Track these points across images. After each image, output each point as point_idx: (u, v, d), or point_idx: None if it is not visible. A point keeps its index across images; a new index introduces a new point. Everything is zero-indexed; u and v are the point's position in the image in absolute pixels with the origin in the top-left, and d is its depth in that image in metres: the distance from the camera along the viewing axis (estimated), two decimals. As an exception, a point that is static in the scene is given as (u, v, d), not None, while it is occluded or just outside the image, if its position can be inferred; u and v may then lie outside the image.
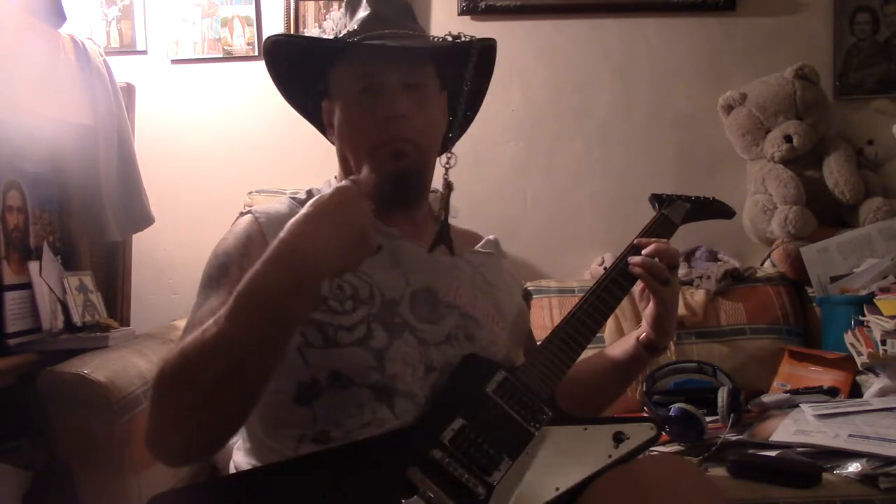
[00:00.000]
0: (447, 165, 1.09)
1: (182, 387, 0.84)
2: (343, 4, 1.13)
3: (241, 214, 1.07)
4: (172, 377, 0.84)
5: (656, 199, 1.24)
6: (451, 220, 1.08)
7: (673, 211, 1.21)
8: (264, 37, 2.26)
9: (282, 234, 0.85)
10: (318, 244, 0.84)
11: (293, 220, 0.86)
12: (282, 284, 0.82)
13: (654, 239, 1.13)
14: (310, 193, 1.10)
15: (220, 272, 0.99)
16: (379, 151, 1.04)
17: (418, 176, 1.08)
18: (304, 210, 0.87)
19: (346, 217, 0.86)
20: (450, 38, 1.10)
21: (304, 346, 0.96)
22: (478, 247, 1.20)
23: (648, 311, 1.13)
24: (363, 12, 1.09)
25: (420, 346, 1.00)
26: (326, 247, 0.84)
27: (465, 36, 1.10)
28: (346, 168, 1.11)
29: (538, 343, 1.10)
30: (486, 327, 1.08)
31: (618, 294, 1.11)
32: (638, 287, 1.14)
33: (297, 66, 1.11)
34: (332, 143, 1.14)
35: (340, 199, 0.87)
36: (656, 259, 1.09)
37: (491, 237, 1.23)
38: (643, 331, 1.15)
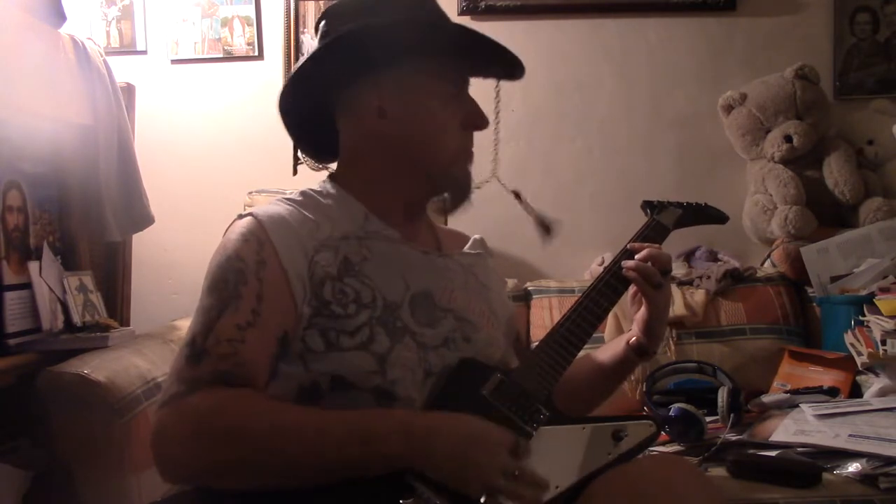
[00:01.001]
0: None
1: (248, 451, 0.85)
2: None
3: (241, 216, 1.04)
4: (247, 438, 0.85)
5: (648, 206, 1.25)
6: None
7: (665, 216, 1.22)
8: (264, 37, 2.31)
9: (438, 420, 0.91)
10: (448, 452, 0.87)
11: (456, 420, 0.91)
12: (398, 452, 0.87)
13: (646, 244, 1.14)
14: (304, 194, 1.08)
15: (238, 279, 0.95)
16: (462, 158, 1.09)
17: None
18: (465, 422, 0.91)
19: (483, 455, 0.88)
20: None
21: (304, 352, 0.96)
22: (466, 247, 1.20)
23: (640, 315, 1.14)
24: (433, 11, 1.10)
25: (419, 351, 1.00)
26: (450, 460, 0.87)
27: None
28: (393, 159, 1.07)
29: (536, 343, 1.10)
30: (482, 329, 1.08)
31: (612, 297, 1.12)
32: (630, 291, 1.14)
33: (363, 45, 1.03)
34: (375, 130, 1.06)
35: (490, 446, 0.89)
36: (649, 263, 1.10)
37: (477, 236, 1.23)
38: (633, 334, 1.16)
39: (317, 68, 1.06)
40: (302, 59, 1.09)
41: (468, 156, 1.10)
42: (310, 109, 1.12)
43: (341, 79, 1.07)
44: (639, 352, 1.15)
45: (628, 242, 1.17)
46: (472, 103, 1.10)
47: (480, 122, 1.09)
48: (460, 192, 1.10)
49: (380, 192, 1.08)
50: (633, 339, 1.15)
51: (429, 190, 1.11)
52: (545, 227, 1.17)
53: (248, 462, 0.86)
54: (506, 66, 1.13)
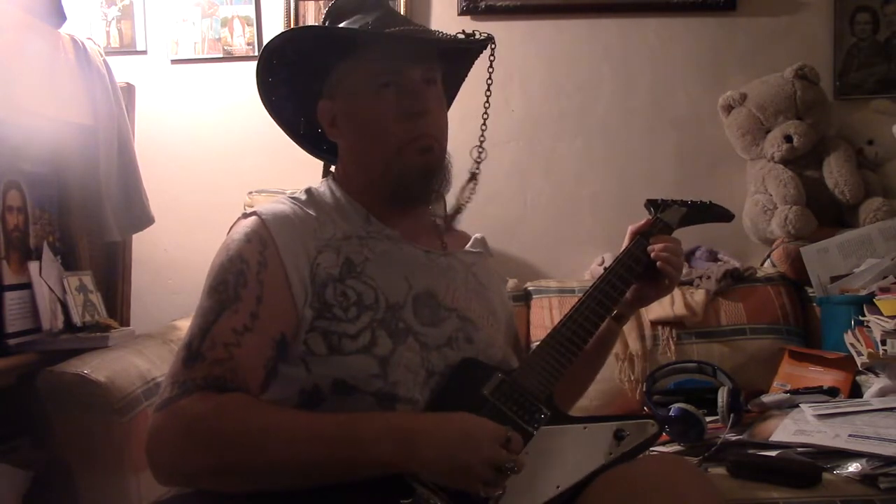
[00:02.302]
0: (478, 159, 1.16)
1: (237, 455, 0.86)
2: (335, 10, 1.11)
3: (245, 216, 1.04)
4: (237, 442, 0.86)
5: (652, 204, 1.25)
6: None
7: (669, 215, 1.22)
8: (264, 37, 2.31)
9: (426, 422, 0.91)
10: (436, 454, 0.88)
11: (445, 420, 0.91)
12: (386, 456, 0.87)
13: (663, 236, 1.17)
14: (309, 192, 1.09)
15: (238, 281, 0.95)
16: (407, 148, 1.05)
17: (442, 172, 1.09)
18: (453, 421, 0.91)
19: (472, 452, 0.88)
20: (462, 36, 1.11)
21: (306, 355, 0.96)
22: (468, 246, 1.20)
23: (644, 294, 1.19)
24: (374, 12, 1.08)
25: (422, 351, 1.00)
26: (439, 461, 0.88)
27: (480, 34, 1.11)
28: (355, 163, 1.10)
29: (538, 343, 1.10)
30: (483, 329, 1.08)
31: (615, 297, 1.13)
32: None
33: (297, 61, 1.09)
34: (334, 140, 1.13)
35: (479, 437, 0.89)
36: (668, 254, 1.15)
37: (478, 235, 1.23)
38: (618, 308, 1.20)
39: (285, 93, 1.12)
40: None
41: (418, 143, 1.05)
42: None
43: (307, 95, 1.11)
44: (617, 318, 1.22)
45: (631, 244, 1.19)
46: (406, 90, 1.05)
47: (409, 104, 1.04)
48: (419, 180, 1.06)
49: (371, 193, 1.09)
50: (615, 311, 1.19)
51: (393, 186, 1.07)
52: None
53: (238, 466, 0.86)
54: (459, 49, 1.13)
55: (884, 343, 1.60)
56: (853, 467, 1.28)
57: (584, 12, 2.30)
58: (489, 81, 1.14)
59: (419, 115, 1.05)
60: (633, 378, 1.84)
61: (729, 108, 2.22)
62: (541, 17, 2.30)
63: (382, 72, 1.05)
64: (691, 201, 1.27)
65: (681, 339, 1.90)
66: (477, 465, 0.87)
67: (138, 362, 1.50)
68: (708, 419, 1.49)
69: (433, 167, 1.07)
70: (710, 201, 1.30)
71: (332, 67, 1.08)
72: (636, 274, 1.15)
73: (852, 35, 2.27)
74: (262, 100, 1.14)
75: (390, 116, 1.04)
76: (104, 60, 1.86)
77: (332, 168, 1.18)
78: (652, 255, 1.15)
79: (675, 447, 1.49)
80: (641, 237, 1.18)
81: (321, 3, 2.29)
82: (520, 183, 2.31)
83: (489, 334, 1.09)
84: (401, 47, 1.05)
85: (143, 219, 1.94)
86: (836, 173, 2.08)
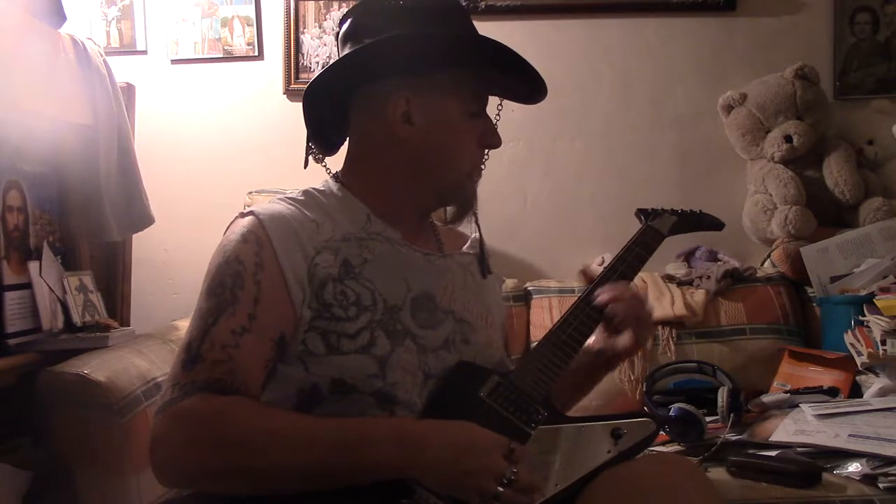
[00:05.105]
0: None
1: (239, 458, 0.86)
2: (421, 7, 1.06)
3: (242, 215, 1.03)
4: (239, 445, 0.86)
5: (642, 213, 1.25)
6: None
7: (660, 223, 1.22)
8: (264, 37, 2.30)
9: (430, 427, 0.91)
10: (439, 459, 0.87)
11: (448, 427, 0.91)
12: (390, 460, 0.87)
13: (610, 286, 1.11)
14: (306, 193, 1.08)
15: (236, 282, 0.94)
16: (473, 173, 1.10)
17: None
18: (457, 428, 0.91)
19: (474, 459, 0.88)
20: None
21: (304, 354, 0.95)
22: (465, 247, 1.19)
23: (623, 344, 1.11)
24: (460, 17, 1.09)
25: (419, 354, 1.00)
26: (442, 466, 0.87)
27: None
28: (409, 164, 1.06)
29: (535, 344, 1.10)
30: (480, 331, 1.08)
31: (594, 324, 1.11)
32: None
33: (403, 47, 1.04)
34: (398, 133, 1.05)
35: (483, 445, 0.89)
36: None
37: (475, 235, 1.23)
38: (606, 354, 1.13)
39: (349, 65, 1.05)
40: (347, 51, 1.07)
41: (478, 173, 1.12)
42: (327, 103, 1.10)
43: (369, 78, 1.06)
44: (608, 366, 1.16)
45: (621, 250, 1.17)
46: (490, 121, 1.10)
47: (495, 141, 1.10)
48: (465, 206, 1.11)
49: (386, 194, 1.08)
50: (610, 357, 1.13)
51: (435, 201, 1.12)
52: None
53: (240, 468, 0.86)
54: (531, 88, 1.13)
55: (884, 343, 1.60)
56: (853, 467, 1.29)
57: (583, 12, 2.30)
58: (498, 117, 1.16)
59: (492, 149, 1.11)
60: (633, 378, 1.84)
61: (729, 108, 2.22)
62: (540, 17, 2.30)
63: (481, 96, 1.09)
64: (681, 210, 1.27)
65: (681, 339, 1.90)
66: (480, 475, 0.86)
67: (138, 362, 1.50)
68: (708, 419, 1.49)
69: (476, 195, 1.13)
70: (700, 210, 1.30)
71: (430, 70, 1.05)
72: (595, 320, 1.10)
73: (852, 35, 2.27)
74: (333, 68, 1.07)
75: (473, 142, 1.08)
76: (104, 60, 1.86)
77: (312, 148, 1.15)
78: (606, 311, 1.08)
79: (675, 447, 1.49)
80: (593, 286, 1.12)
81: (321, 2, 2.29)
82: (519, 182, 2.31)
83: (487, 335, 1.09)
84: (497, 73, 1.09)
85: (143, 219, 1.94)
86: (836, 173, 2.08)
